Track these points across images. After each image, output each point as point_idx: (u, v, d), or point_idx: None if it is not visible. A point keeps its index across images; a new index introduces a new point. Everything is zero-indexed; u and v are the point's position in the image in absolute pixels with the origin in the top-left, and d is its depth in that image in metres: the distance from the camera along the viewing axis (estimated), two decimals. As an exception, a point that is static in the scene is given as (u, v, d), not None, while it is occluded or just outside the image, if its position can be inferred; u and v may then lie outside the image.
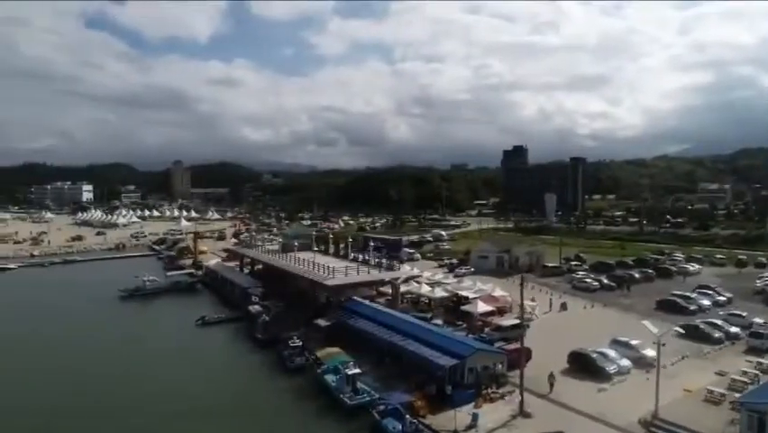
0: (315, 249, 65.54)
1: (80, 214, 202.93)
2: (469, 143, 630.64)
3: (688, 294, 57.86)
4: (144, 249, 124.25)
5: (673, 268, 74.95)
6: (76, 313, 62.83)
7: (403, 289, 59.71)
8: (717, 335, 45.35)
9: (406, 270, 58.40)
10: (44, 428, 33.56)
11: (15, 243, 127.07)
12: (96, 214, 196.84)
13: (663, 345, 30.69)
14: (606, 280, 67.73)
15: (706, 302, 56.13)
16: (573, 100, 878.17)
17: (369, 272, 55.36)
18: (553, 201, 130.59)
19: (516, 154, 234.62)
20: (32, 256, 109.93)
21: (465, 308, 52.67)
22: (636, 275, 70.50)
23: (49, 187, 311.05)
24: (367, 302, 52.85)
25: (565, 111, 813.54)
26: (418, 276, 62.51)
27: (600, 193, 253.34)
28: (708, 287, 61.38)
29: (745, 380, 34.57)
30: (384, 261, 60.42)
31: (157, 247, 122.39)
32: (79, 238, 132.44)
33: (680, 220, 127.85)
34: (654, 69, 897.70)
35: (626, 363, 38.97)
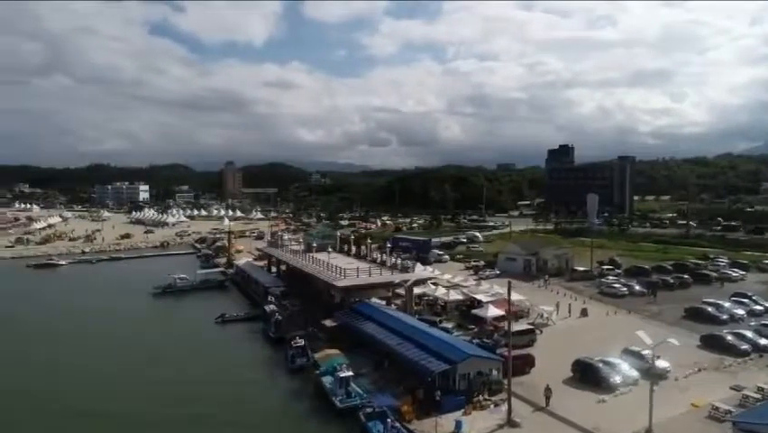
0: (331, 250, 65.75)
1: (134, 213, 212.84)
2: (523, 142, 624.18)
3: (720, 302, 54.43)
4: (187, 247, 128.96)
5: (714, 274, 70.49)
6: (107, 309, 65.60)
7: (419, 291, 59.30)
8: (743, 347, 42.51)
9: (419, 272, 57.67)
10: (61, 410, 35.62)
11: (71, 240, 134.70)
12: (149, 213, 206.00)
13: (658, 357, 28.97)
14: (637, 286, 64.65)
15: (739, 311, 52.66)
16: (634, 97, 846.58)
17: (381, 274, 55.10)
18: (594, 202, 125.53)
19: (561, 153, 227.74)
20: (83, 253, 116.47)
21: (476, 311, 51.72)
22: (671, 281, 66.88)
23: (109, 187, 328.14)
24: (374, 304, 52.74)
25: (625, 108, 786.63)
26: (432, 278, 61.68)
27: (655, 193, 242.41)
28: (744, 295, 57.48)
29: (758, 397, 32.11)
30: (399, 262, 60.02)
31: (198, 246, 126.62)
32: (128, 236, 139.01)
33: (732, 223, 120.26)
34: (723, 62, 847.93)
35: (633, 373, 37.11)
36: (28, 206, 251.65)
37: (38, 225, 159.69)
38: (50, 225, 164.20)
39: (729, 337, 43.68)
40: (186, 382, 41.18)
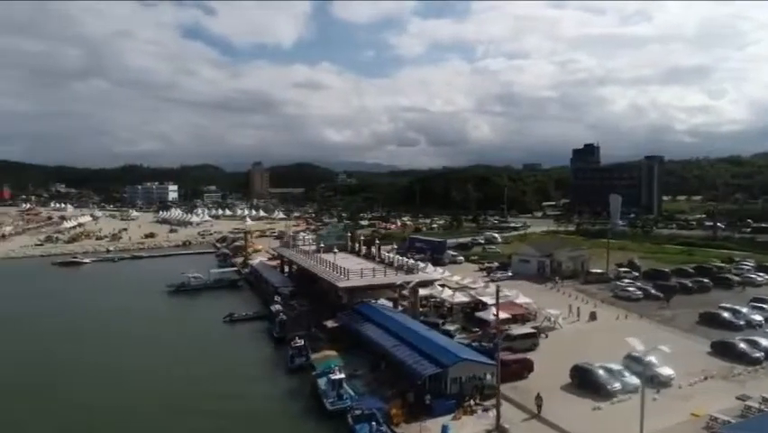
0: (337, 250, 65.65)
1: (161, 212, 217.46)
2: (553, 141, 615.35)
3: (737, 307, 52.30)
4: (208, 246, 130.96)
5: (736, 277, 67.87)
6: (122, 306, 67.14)
7: (426, 292, 58.73)
8: (755, 354, 40.67)
9: (423, 274, 57.05)
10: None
11: (97, 238, 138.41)
12: (176, 212, 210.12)
13: (651, 361, 27.85)
14: (652, 290, 62.69)
15: (757, 317, 50.50)
16: (668, 94, 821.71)
17: (385, 275, 54.82)
18: (617, 202, 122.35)
19: (586, 153, 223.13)
20: (108, 252, 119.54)
21: (479, 314, 50.97)
22: (689, 284, 64.68)
23: (139, 187, 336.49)
24: (374, 305, 52.45)
25: (659, 106, 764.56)
26: (438, 280, 60.97)
27: (687, 194, 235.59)
28: (763, 300, 55.10)
29: (760, 407, 30.64)
30: (406, 263, 59.60)
31: (218, 245, 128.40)
32: (152, 235, 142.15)
33: (763, 224, 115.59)
34: (764, 57, 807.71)
35: (634, 380, 35.85)
36: (62, 205, 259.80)
37: (68, 225, 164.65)
38: (79, 225, 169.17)
39: (741, 344, 41.86)
40: (190, 381, 41.70)
